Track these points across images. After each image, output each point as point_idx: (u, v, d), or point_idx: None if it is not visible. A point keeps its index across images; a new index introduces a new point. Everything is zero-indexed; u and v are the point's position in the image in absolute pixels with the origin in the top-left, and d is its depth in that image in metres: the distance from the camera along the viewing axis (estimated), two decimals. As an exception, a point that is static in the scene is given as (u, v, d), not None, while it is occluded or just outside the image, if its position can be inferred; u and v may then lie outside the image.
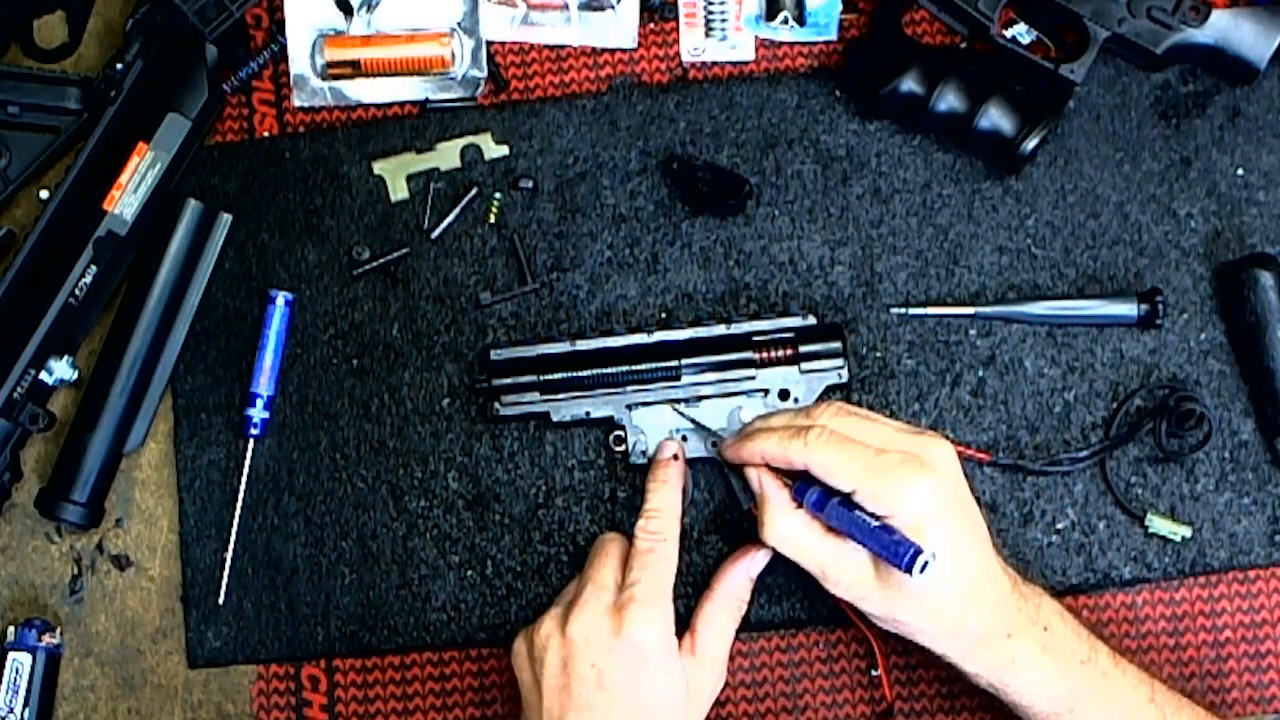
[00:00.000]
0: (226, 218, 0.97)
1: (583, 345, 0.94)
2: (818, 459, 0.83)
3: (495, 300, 0.96)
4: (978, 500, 0.85)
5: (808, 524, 0.85)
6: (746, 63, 0.99)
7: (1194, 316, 0.95)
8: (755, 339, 0.93)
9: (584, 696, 0.82)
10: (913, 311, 0.96)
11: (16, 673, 0.92)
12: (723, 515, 0.94)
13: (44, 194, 0.96)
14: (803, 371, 0.92)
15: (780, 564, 0.93)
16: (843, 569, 0.83)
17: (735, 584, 0.90)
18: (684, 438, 0.93)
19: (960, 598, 0.82)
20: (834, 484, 0.83)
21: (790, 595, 0.93)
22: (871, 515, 0.81)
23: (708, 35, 0.99)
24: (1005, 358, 0.95)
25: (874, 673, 0.93)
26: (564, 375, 0.93)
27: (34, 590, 0.96)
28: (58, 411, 0.95)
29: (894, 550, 0.79)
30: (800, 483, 0.85)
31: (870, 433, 0.85)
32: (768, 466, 0.86)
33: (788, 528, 0.85)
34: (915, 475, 0.82)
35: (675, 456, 0.91)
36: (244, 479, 0.95)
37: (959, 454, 0.92)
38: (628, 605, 0.84)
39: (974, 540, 0.84)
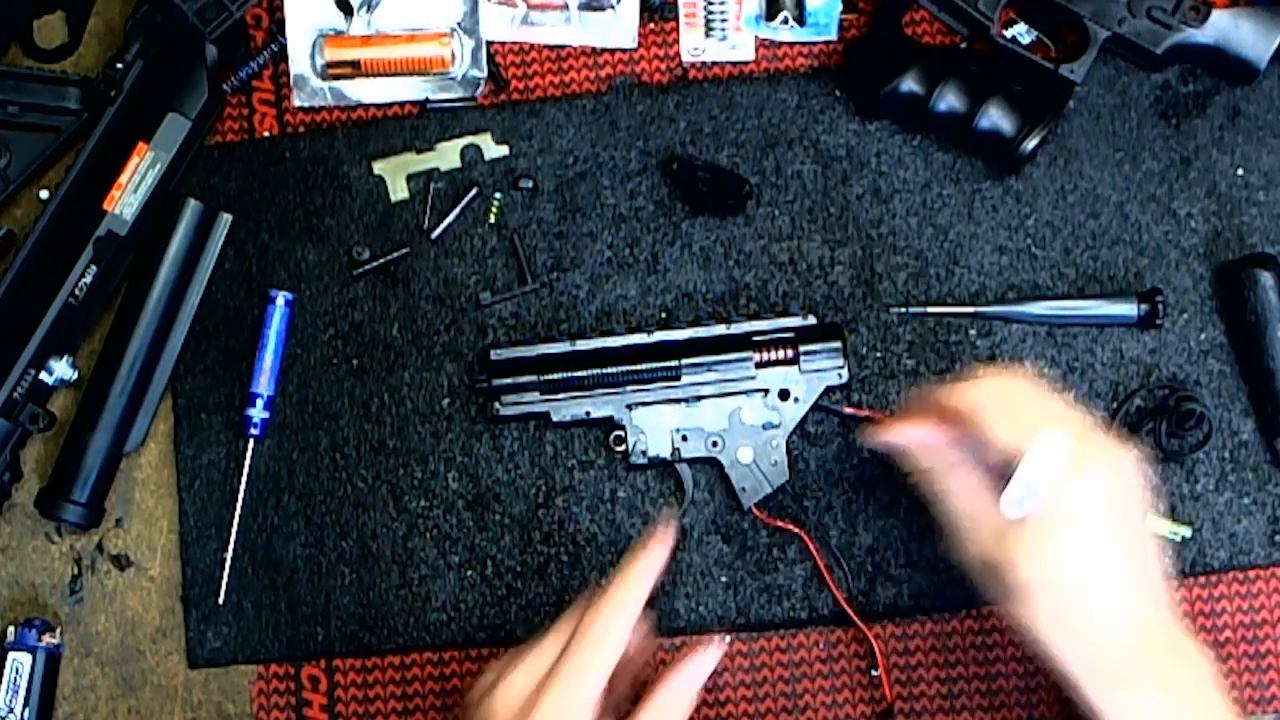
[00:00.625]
0: (226, 218, 0.97)
1: (583, 345, 0.94)
2: (1004, 396, 0.78)
3: (495, 300, 0.96)
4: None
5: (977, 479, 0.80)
6: (746, 63, 0.99)
7: (1194, 316, 0.95)
8: (755, 339, 0.93)
9: None
10: (913, 311, 0.96)
11: (16, 673, 0.92)
12: (723, 515, 0.94)
13: (44, 194, 0.97)
14: (803, 371, 0.92)
15: (780, 563, 0.93)
16: (984, 535, 0.77)
17: (677, 693, 0.78)
18: (684, 437, 0.93)
19: (1112, 596, 0.75)
20: (1034, 420, 0.77)
21: (790, 595, 0.93)
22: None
23: (708, 35, 0.99)
24: (1005, 358, 0.95)
25: (874, 673, 0.93)
26: (564, 375, 0.93)
27: (34, 590, 0.96)
28: (58, 411, 0.96)
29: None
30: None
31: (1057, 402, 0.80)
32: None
33: (959, 480, 0.80)
34: (1092, 457, 0.76)
35: (667, 528, 0.82)
36: (244, 479, 0.95)
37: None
38: (548, 688, 0.75)
39: (1135, 543, 0.77)
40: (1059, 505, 0.75)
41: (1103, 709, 0.74)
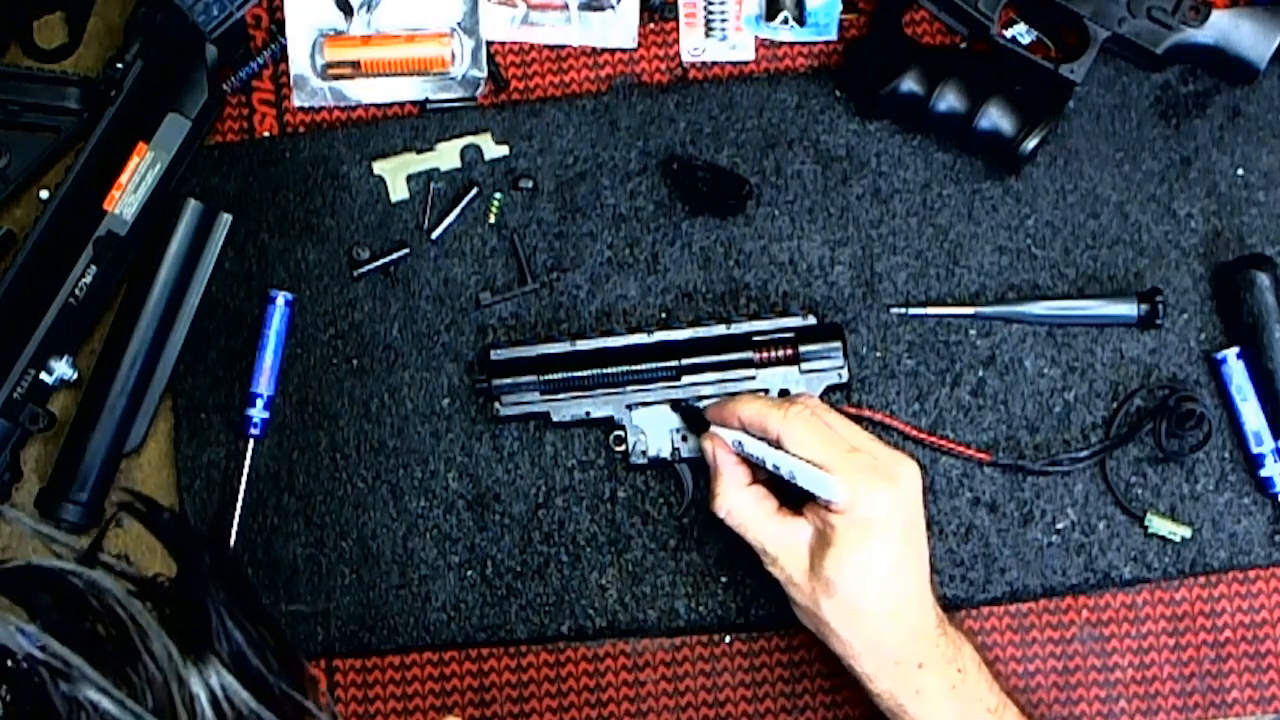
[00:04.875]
0: (226, 218, 0.97)
1: (583, 345, 0.94)
2: (793, 431, 0.84)
3: (495, 300, 0.96)
4: (928, 524, 0.86)
5: (759, 500, 0.86)
6: (746, 63, 0.99)
7: (1194, 316, 0.95)
8: (755, 339, 0.93)
9: None
10: (913, 311, 0.96)
11: (16, 673, 0.92)
12: (723, 515, 0.94)
13: (44, 194, 0.96)
14: (803, 372, 0.92)
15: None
16: (782, 547, 0.84)
17: None
18: (684, 437, 0.93)
19: (886, 615, 0.83)
20: (805, 457, 0.84)
21: (790, 595, 0.93)
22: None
23: (708, 35, 0.99)
24: (1005, 358, 0.95)
25: None
26: (564, 375, 0.93)
27: (34, 590, 0.96)
28: (58, 411, 0.95)
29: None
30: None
31: (847, 431, 0.86)
32: (723, 444, 0.88)
33: (738, 499, 0.86)
34: (880, 482, 0.83)
35: None
36: (244, 479, 0.95)
37: (959, 454, 0.92)
38: None
39: (915, 565, 0.84)
40: (853, 520, 0.82)
41: (895, 693, 0.83)
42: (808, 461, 0.83)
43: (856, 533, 0.82)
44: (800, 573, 0.84)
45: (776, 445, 0.85)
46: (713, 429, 0.89)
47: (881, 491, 0.82)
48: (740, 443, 0.87)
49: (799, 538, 0.84)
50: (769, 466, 0.85)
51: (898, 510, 0.83)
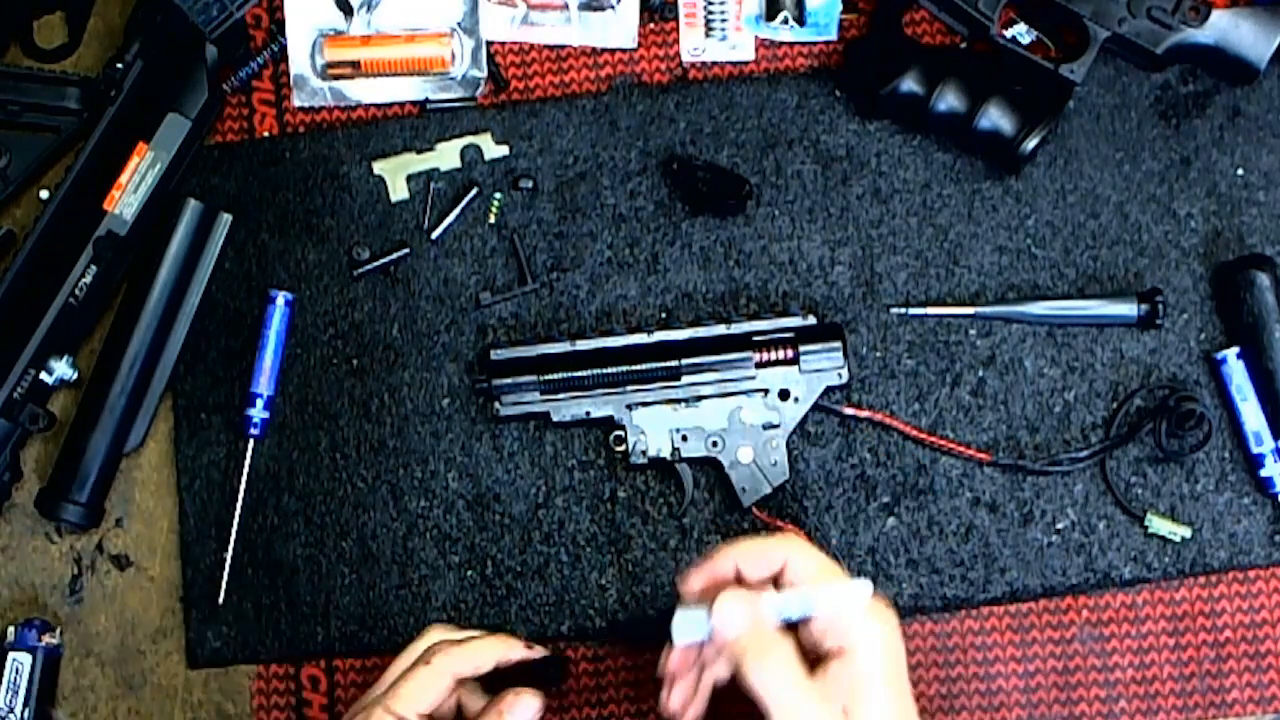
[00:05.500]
0: (226, 218, 0.97)
1: (583, 345, 0.94)
2: (798, 549, 0.78)
3: (495, 300, 0.96)
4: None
5: (794, 659, 0.76)
6: (746, 63, 0.99)
7: (1194, 316, 0.95)
8: (755, 339, 0.93)
9: None
10: (913, 311, 0.96)
11: (16, 673, 0.92)
12: (723, 515, 0.94)
13: (44, 194, 0.96)
14: (803, 372, 0.92)
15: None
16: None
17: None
18: (684, 437, 0.93)
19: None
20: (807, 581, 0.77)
21: (790, 595, 0.93)
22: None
23: (708, 35, 0.99)
24: (1005, 358, 0.95)
25: None
26: (564, 375, 0.93)
27: (34, 590, 0.96)
28: (58, 411, 0.96)
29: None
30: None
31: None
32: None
33: (780, 652, 0.75)
34: (879, 615, 0.76)
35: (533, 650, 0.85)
36: (244, 479, 0.95)
37: (959, 454, 0.93)
38: (371, 708, 0.80)
39: (902, 699, 0.77)
40: (853, 688, 0.74)
41: None
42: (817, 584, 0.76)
43: (855, 679, 0.74)
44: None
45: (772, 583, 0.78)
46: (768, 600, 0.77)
47: (880, 624, 0.76)
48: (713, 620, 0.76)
49: (812, 694, 0.75)
50: (780, 615, 0.76)
51: (887, 650, 0.76)
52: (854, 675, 0.75)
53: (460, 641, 0.84)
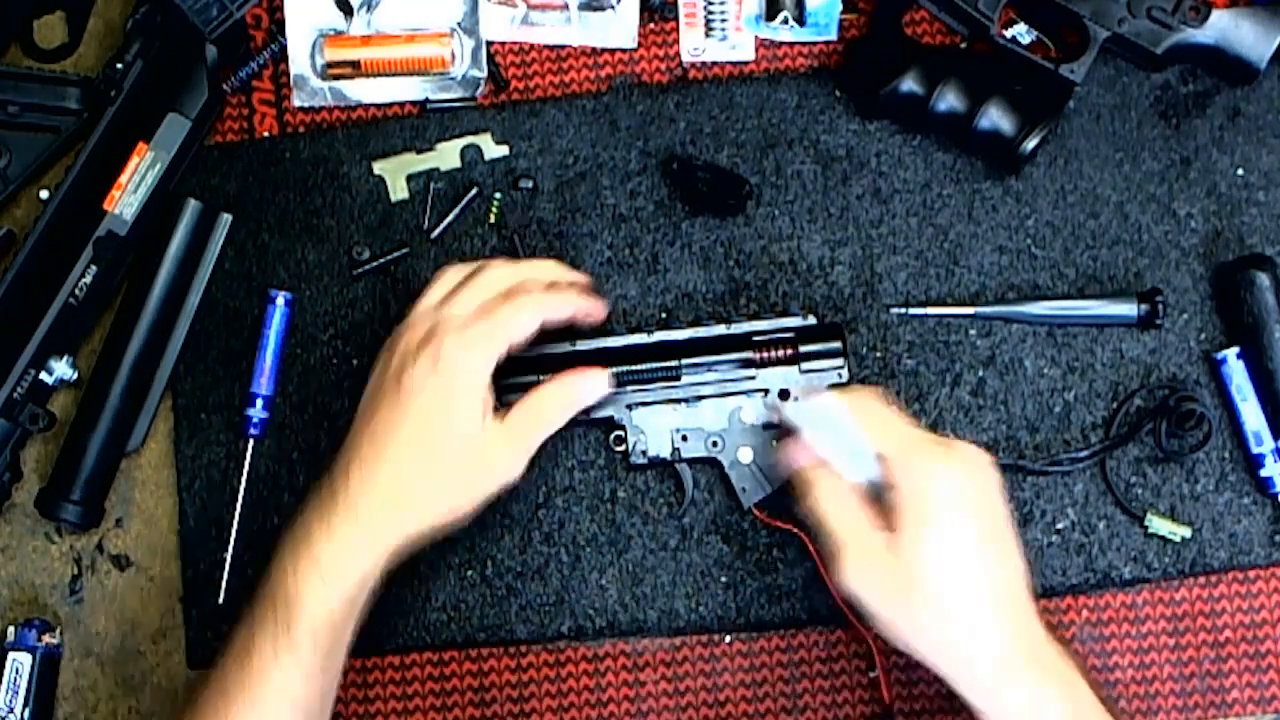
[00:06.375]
0: (226, 218, 0.97)
1: (583, 345, 0.94)
2: (863, 403, 0.82)
3: (495, 300, 0.96)
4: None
5: (848, 493, 0.82)
6: (746, 63, 0.99)
7: (1194, 316, 0.95)
8: (755, 339, 0.93)
9: (389, 401, 0.85)
10: (913, 311, 0.96)
11: (16, 673, 0.92)
12: (723, 515, 0.94)
13: (44, 194, 0.96)
14: (803, 371, 0.92)
15: (780, 563, 0.93)
16: (860, 549, 0.79)
17: (579, 386, 0.89)
18: (684, 437, 0.93)
19: (980, 604, 0.78)
20: (869, 439, 0.82)
21: (790, 595, 0.93)
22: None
23: (708, 35, 0.99)
24: (1005, 358, 0.95)
25: (872, 674, 0.93)
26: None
27: (34, 590, 0.96)
28: (58, 411, 0.96)
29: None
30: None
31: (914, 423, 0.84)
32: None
33: (835, 489, 0.82)
34: (952, 456, 0.80)
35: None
36: (244, 479, 0.95)
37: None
38: (449, 330, 0.85)
39: (1002, 552, 0.80)
40: (919, 496, 0.79)
41: (980, 708, 0.78)
42: (876, 447, 0.81)
43: (927, 513, 0.78)
44: (881, 577, 0.79)
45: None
46: (827, 399, 0.84)
47: (950, 466, 0.79)
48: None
49: (878, 542, 0.79)
50: (828, 443, 0.83)
51: (967, 487, 0.79)
52: (900, 507, 0.79)
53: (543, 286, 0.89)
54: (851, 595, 0.81)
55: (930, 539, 0.78)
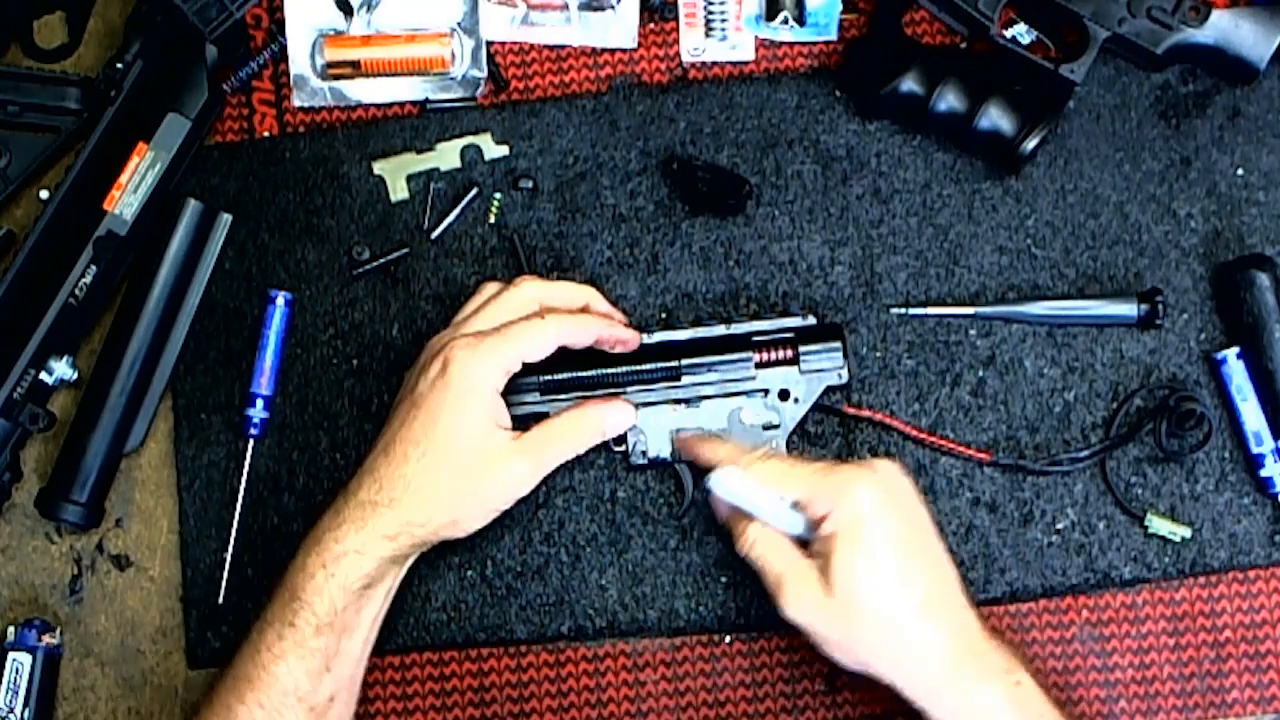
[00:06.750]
0: (226, 218, 0.97)
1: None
2: (766, 467, 0.85)
3: (495, 300, 0.96)
4: (938, 527, 0.85)
5: (781, 537, 0.85)
6: (746, 63, 0.99)
7: (1194, 316, 0.95)
8: (755, 339, 0.93)
9: (403, 408, 0.87)
10: (913, 311, 0.96)
11: (16, 673, 0.92)
12: (723, 515, 0.94)
13: (44, 194, 0.96)
14: (803, 372, 0.92)
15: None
16: (800, 578, 0.82)
17: (609, 418, 0.90)
18: (684, 438, 0.93)
19: (916, 612, 0.81)
20: (780, 491, 0.84)
21: (790, 595, 0.93)
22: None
23: (708, 35, 0.99)
24: (1005, 358, 0.95)
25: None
26: (564, 375, 0.92)
27: (34, 590, 0.96)
28: (58, 411, 0.95)
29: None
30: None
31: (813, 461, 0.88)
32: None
33: (764, 533, 0.85)
34: (859, 476, 0.83)
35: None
36: (244, 479, 0.95)
37: (959, 454, 0.93)
38: (464, 346, 0.86)
39: (928, 557, 0.83)
40: (840, 523, 0.82)
41: (931, 714, 0.81)
42: (789, 495, 0.84)
43: (850, 534, 0.81)
44: (818, 603, 0.81)
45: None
46: (728, 473, 0.86)
47: (862, 481, 0.82)
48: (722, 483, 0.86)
49: (812, 573, 0.82)
50: (748, 507, 0.85)
51: (882, 496, 0.82)
52: (828, 537, 0.82)
53: (569, 312, 0.90)
54: (797, 625, 0.83)
55: (858, 556, 0.81)
